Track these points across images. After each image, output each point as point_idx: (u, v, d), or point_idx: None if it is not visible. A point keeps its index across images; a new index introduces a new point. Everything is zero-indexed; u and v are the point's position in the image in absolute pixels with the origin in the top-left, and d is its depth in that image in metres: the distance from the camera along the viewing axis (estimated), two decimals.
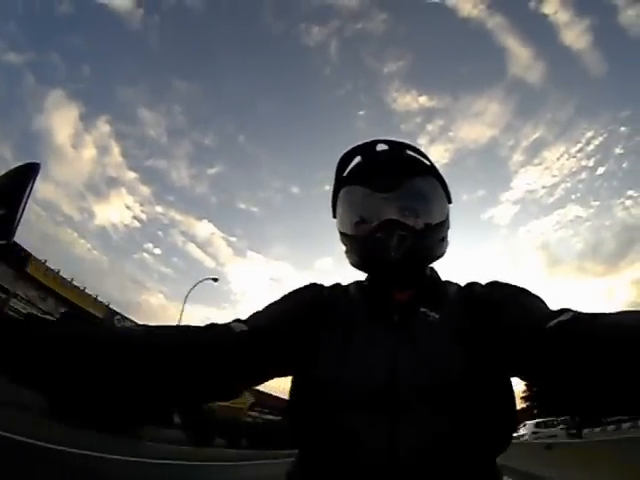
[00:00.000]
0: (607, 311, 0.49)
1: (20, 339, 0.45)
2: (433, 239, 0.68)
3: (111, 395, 0.52)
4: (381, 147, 0.68)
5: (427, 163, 0.68)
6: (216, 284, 20.80)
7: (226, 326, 0.61)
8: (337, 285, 0.76)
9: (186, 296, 19.98)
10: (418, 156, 0.68)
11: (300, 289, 0.74)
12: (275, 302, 0.71)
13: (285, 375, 0.67)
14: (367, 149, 0.69)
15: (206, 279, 20.57)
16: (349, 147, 0.70)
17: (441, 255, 0.71)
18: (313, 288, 0.74)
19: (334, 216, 0.76)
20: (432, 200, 0.68)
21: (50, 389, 0.49)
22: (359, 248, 0.69)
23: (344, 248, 0.75)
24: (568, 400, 0.52)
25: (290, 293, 0.73)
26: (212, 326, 0.61)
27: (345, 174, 0.72)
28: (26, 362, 0.45)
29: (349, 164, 0.72)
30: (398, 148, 0.68)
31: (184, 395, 0.57)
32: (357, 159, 0.71)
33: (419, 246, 0.64)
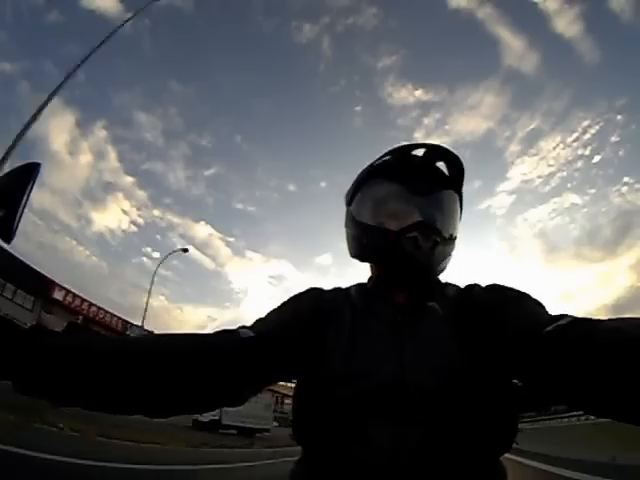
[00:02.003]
0: (605, 317, 0.49)
1: (26, 349, 0.45)
2: (450, 250, 0.71)
3: (118, 404, 0.52)
4: (418, 151, 0.70)
5: (454, 181, 0.71)
6: (186, 254, 23.90)
7: (233, 332, 0.61)
8: (337, 288, 0.77)
9: (155, 269, 20.56)
10: (452, 168, 0.71)
11: (301, 294, 0.74)
12: (277, 308, 0.71)
13: (291, 379, 0.68)
14: (405, 151, 0.71)
15: (176, 250, 22.93)
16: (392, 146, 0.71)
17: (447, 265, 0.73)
18: (313, 292, 0.75)
19: (349, 203, 0.76)
20: (454, 214, 0.72)
21: (55, 399, 0.48)
22: (384, 241, 0.68)
23: (352, 235, 0.74)
24: (565, 403, 0.52)
25: (291, 299, 0.73)
26: (219, 332, 0.61)
27: (375, 165, 0.72)
28: (31, 372, 0.45)
29: (384, 159, 0.72)
30: (434, 155, 0.70)
31: (192, 401, 0.57)
32: (390, 157, 0.71)
33: (443, 252, 0.67)
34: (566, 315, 0.53)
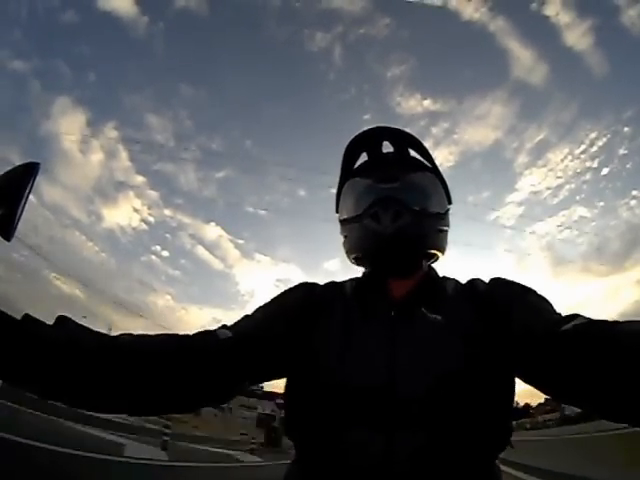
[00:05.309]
0: (618, 319, 0.48)
1: (15, 338, 0.45)
2: (429, 224, 0.67)
3: (101, 401, 0.52)
4: (386, 145, 0.71)
5: (429, 165, 0.71)
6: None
7: (211, 333, 0.61)
8: (331, 283, 0.75)
9: None
10: (421, 157, 0.71)
11: (290, 290, 0.73)
12: (265, 305, 0.70)
13: (280, 377, 0.67)
14: (373, 147, 0.72)
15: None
16: (353, 137, 0.71)
17: (438, 248, 0.70)
18: (304, 288, 0.73)
19: (337, 210, 0.76)
20: (430, 191, 0.69)
21: (40, 391, 0.48)
22: (355, 228, 0.68)
23: (342, 240, 0.74)
24: (584, 404, 0.50)
25: (280, 295, 0.72)
26: (198, 333, 0.61)
27: (350, 170, 0.74)
28: (19, 360, 0.45)
29: (354, 158, 0.74)
30: (404, 147, 0.70)
31: (171, 401, 0.57)
32: (364, 155, 0.73)
33: (414, 224, 0.63)
34: (578, 315, 0.51)
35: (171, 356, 0.55)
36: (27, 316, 0.48)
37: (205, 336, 0.60)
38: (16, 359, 0.45)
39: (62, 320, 0.51)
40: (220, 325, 0.64)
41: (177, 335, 0.59)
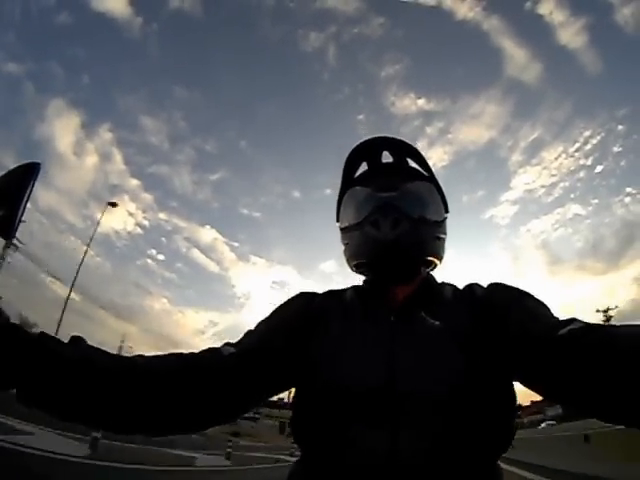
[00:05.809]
0: (618, 324, 0.49)
1: (34, 355, 0.46)
2: (427, 232, 0.68)
3: (117, 422, 0.54)
4: (386, 155, 0.73)
5: (427, 174, 0.73)
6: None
7: (216, 350, 0.62)
8: (330, 291, 0.76)
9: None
10: (419, 167, 0.73)
11: (289, 301, 0.74)
12: (266, 318, 0.71)
13: (287, 389, 0.68)
14: (373, 156, 0.74)
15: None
16: (353, 147, 0.73)
17: (436, 255, 0.70)
18: (302, 297, 0.75)
19: (337, 219, 0.77)
20: (428, 200, 0.70)
21: (58, 412, 0.49)
22: (355, 235, 0.69)
23: (343, 248, 0.75)
24: (582, 407, 0.50)
25: (280, 307, 0.73)
26: (204, 351, 0.62)
27: (350, 180, 0.76)
28: (38, 379, 0.46)
29: (355, 168, 0.76)
30: (403, 157, 0.73)
31: (183, 420, 0.58)
32: (364, 165, 0.75)
33: (412, 232, 0.65)
34: (575, 319, 0.52)
35: (176, 375, 0.56)
36: (43, 334, 0.49)
37: (209, 354, 0.61)
38: (36, 377, 0.45)
39: (76, 340, 0.52)
40: (224, 342, 0.65)
41: (183, 354, 0.60)
